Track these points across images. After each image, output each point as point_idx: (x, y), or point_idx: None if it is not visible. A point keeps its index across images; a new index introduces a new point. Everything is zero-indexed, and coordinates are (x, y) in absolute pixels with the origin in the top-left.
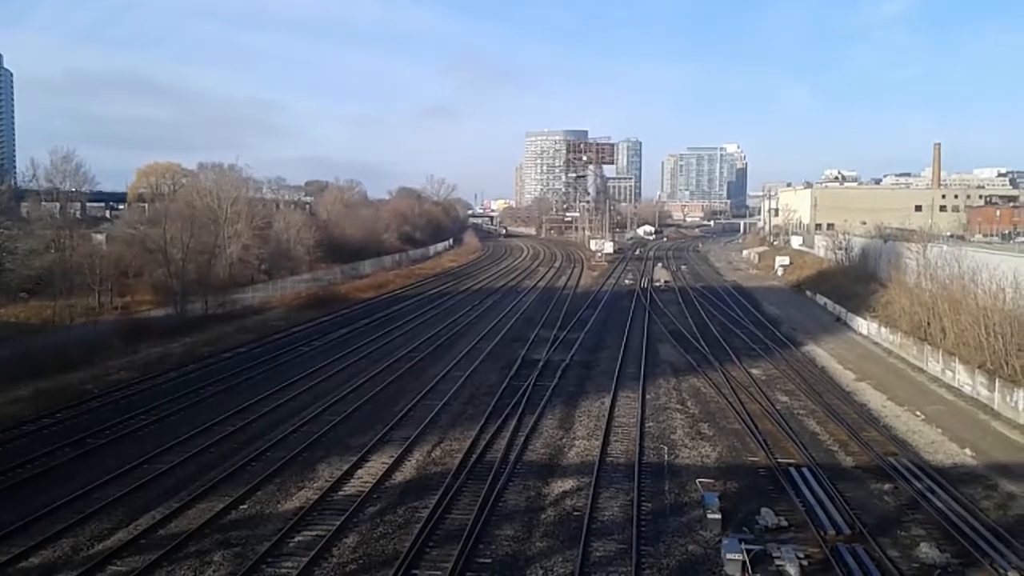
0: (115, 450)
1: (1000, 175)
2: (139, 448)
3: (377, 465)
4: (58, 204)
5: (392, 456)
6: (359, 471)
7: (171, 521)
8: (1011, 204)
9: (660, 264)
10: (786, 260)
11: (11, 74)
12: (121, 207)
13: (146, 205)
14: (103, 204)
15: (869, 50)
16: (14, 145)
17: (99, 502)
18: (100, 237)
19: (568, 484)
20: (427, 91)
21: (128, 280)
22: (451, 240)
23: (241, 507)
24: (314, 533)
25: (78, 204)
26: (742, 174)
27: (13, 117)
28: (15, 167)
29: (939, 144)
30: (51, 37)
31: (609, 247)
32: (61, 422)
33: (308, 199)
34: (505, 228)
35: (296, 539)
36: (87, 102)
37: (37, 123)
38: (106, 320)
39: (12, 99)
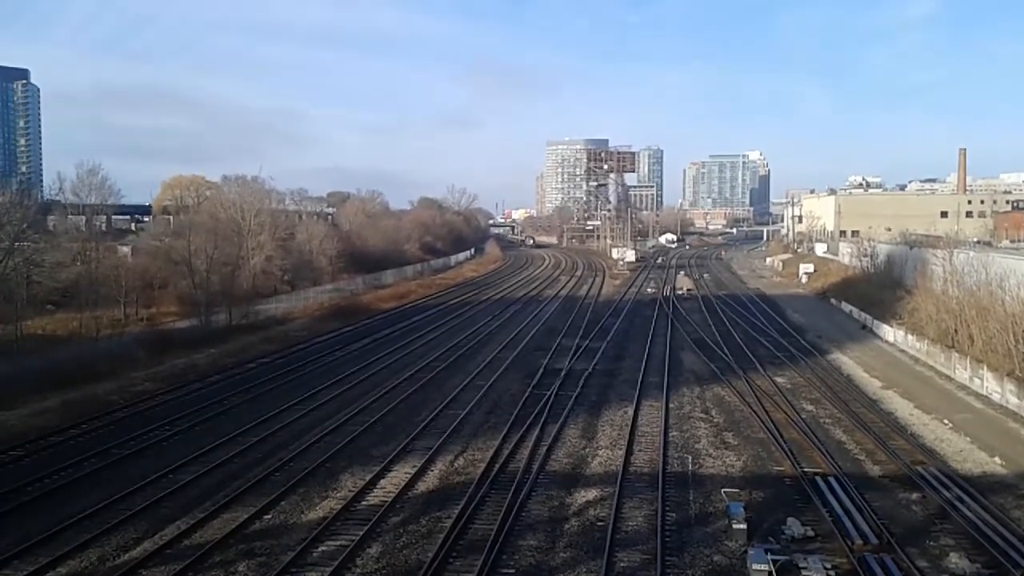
0: (140, 461)
1: None
2: (164, 459)
3: (400, 475)
4: (84, 217)
5: (415, 466)
6: (382, 481)
7: (196, 531)
8: None
9: (682, 272)
10: (810, 267)
11: (38, 89)
12: (146, 220)
13: (171, 217)
14: (128, 217)
15: (891, 53)
16: (41, 158)
17: (125, 512)
18: (126, 249)
19: (591, 494)
20: (445, 100)
21: (153, 292)
22: (472, 250)
23: (265, 517)
24: (337, 543)
25: (104, 217)
26: (765, 181)
27: (40, 131)
28: (42, 180)
29: (964, 149)
30: (73, 50)
31: (631, 255)
32: (87, 433)
33: (330, 210)
34: (532, 239)
35: (320, 549)
36: (112, 114)
37: (63, 136)
38: (131, 332)
39: (39, 114)
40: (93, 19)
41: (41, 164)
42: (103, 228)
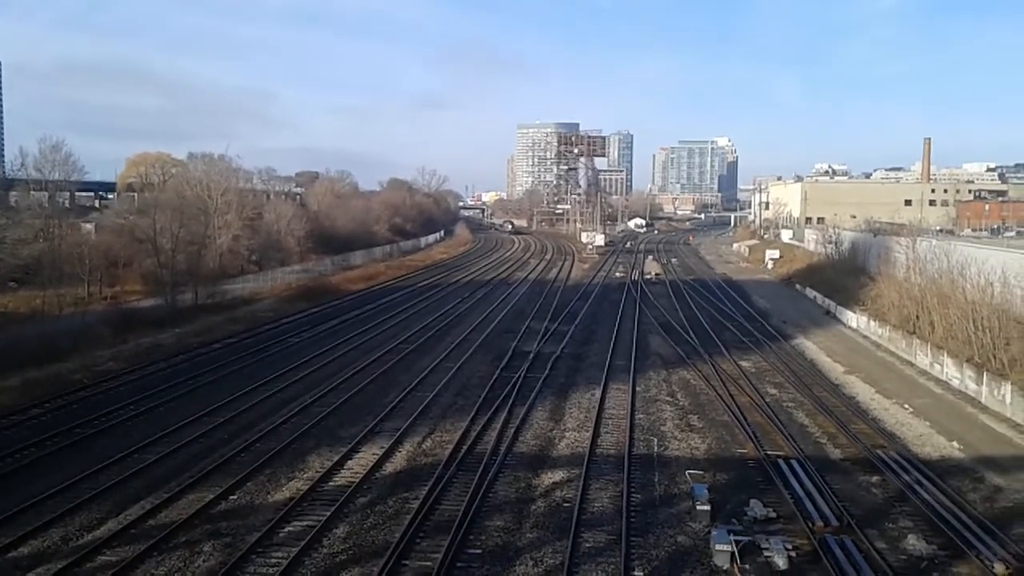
0: (104, 440)
1: (989, 170)
2: (128, 438)
3: (368, 456)
4: (47, 193)
5: (383, 447)
6: (349, 462)
7: (161, 511)
8: (1000, 199)
9: (651, 257)
10: (776, 253)
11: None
12: (111, 197)
13: (135, 195)
14: (92, 194)
15: (861, 45)
16: (2, 134)
17: (89, 492)
18: (89, 227)
19: (558, 475)
20: (419, 82)
21: (117, 270)
22: (442, 232)
23: (231, 497)
24: (304, 523)
25: (67, 193)
26: (733, 167)
27: (1, 106)
28: (3, 156)
29: (929, 139)
30: (37, 23)
31: (600, 240)
32: (50, 412)
33: (299, 190)
34: (511, 223)
35: (286, 529)
36: (76, 90)
37: (25, 111)
38: (95, 310)
39: (0, 88)
40: None
41: (3, 140)
42: (66, 205)
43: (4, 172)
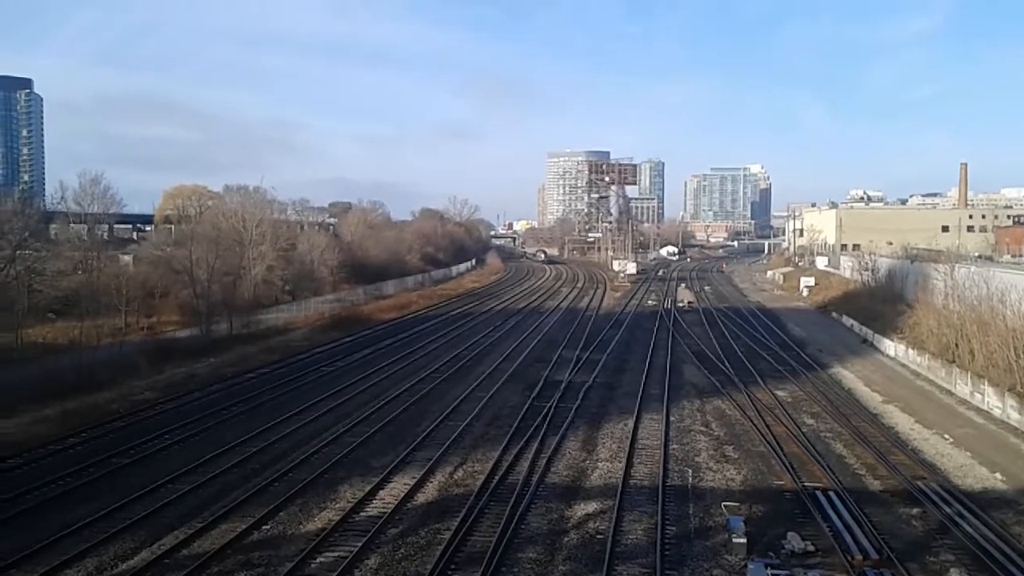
0: (139, 470)
1: None
2: (163, 468)
3: (399, 486)
4: (86, 226)
5: (414, 477)
6: (381, 492)
7: (194, 541)
8: None
9: (683, 285)
10: (811, 281)
11: (41, 99)
12: (148, 229)
13: (172, 227)
14: (130, 226)
15: (892, 68)
16: (44, 168)
17: (123, 521)
18: (127, 258)
19: (591, 507)
20: (447, 112)
21: (154, 301)
22: (474, 260)
23: (263, 527)
24: (336, 554)
25: (106, 226)
26: (766, 194)
27: (43, 141)
28: (44, 190)
29: (965, 164)
30: (75, 59)
31: (632, 268)
32: (86, 442)
33: (332, 220)
34: (544, 252)
35: (318, 560)
36: (114, 124)
37: (65, 146)
38: (132, 341)
39: (42, 123)
40: (94, 29)
41: (44, 173)
42: (105, 237)
43: (44, 206)
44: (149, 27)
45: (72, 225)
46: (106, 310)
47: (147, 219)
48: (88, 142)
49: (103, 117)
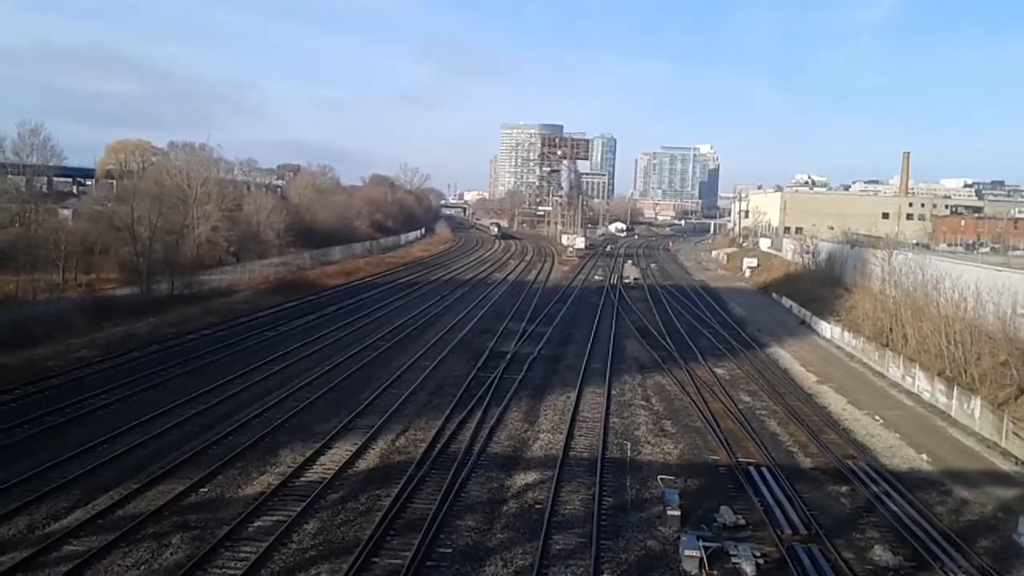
0: (74, 429)
1: (966, 186)
2: (99, 428)
3: (341, 452)
4: (24, 178)
5: (356, 444)
6: (322, 458)
7: (130, 502)
8: (976, 215)
9: (630, 261)
10: (754, 262)
11: None
12: (89, 183)
13: (114, 182)
14: (71, 180)
15: (843, 55)
16: None
17: (57, 481)
18: (66, 213)
19: (531, 477)
20: (402, 77)
21: (93, 257)
22: (423, 230)
23: (201, 490)
24: (274, 518)
25: (45, 179)
26: (714, 175)
27: None
28: None
29: (908, 153)
30: (16, 3)
31: (581, 243)
32: (20, 399)
33: (280, 183)
34: (497, 225)
35: (256, 524)
36: (55, 75)
37: (3, 95)
38: (70, 297)
39: None
40: None
41: None
42: (44, 190)
43: None
44: None
45: (10, 176)
46: (43, 265)
47: (88, 173)
48: (29, 92)
49: (45, 67)
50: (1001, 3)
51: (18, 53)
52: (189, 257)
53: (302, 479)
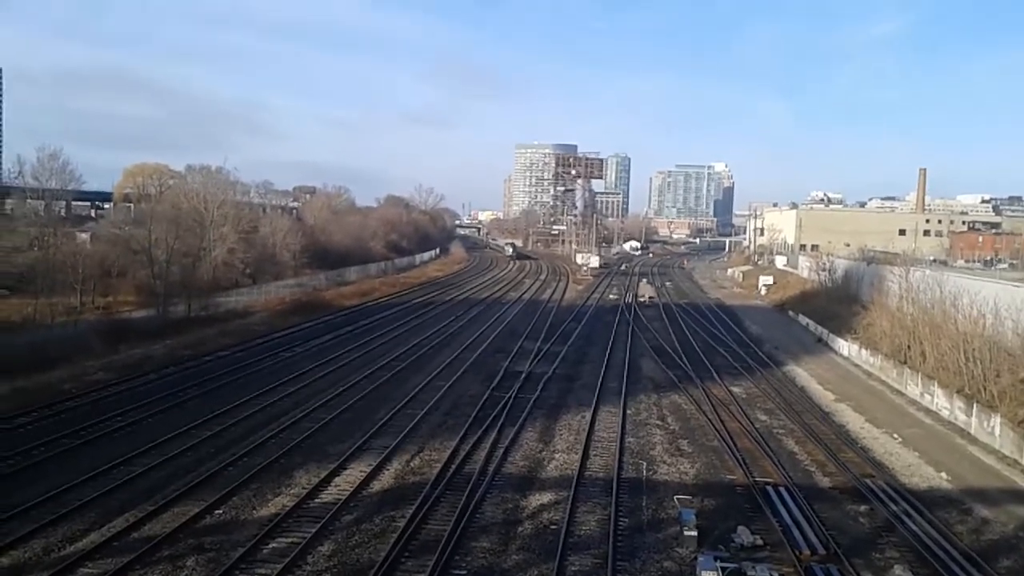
0: (91, 451)
1: (983, 202)
2: (115, 450)
3: (355, 473)
4: (43, 202)
5: (371, 464)
6: (337, 479)
7: (145, 524)
8: (993, 231)
9: (645, 280)
10: (770, 280)
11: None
12: (107, 207)
13: (132, 205)
14: (89, 203)
15: (855, 71)
16: (0, 141)
17: (73, 503)
18: (84, 236)
19: (546, 497)
20: (415, 99)
21: (111, 280)
22: (437, 250)
23: (216, 512)
24: (289, 540)
25: (63, 202)
26: (729, 193)
27: (0, 113)
28: (1, 164)
29: (924, 169)
30: (33, 29)
31: (595, 261)
32: (37, 421)
33: (295, 204)
34: (512, 244)
35: (271, 545)
36: (73, 99)
37: (23, 119)
38: (87, 320)
39: (0, 95)
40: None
41: (1, 147)
42: (62, 214)
43: (1, 180)
44: (114, 0)
45: (29, 200)
46: (61, 288)
47: (106, 197)
48: (47, 116)
49: (63, 91)
50: (1013, 18)
51: (36, 77)
52: (206, 279)
53: (317, 500)
